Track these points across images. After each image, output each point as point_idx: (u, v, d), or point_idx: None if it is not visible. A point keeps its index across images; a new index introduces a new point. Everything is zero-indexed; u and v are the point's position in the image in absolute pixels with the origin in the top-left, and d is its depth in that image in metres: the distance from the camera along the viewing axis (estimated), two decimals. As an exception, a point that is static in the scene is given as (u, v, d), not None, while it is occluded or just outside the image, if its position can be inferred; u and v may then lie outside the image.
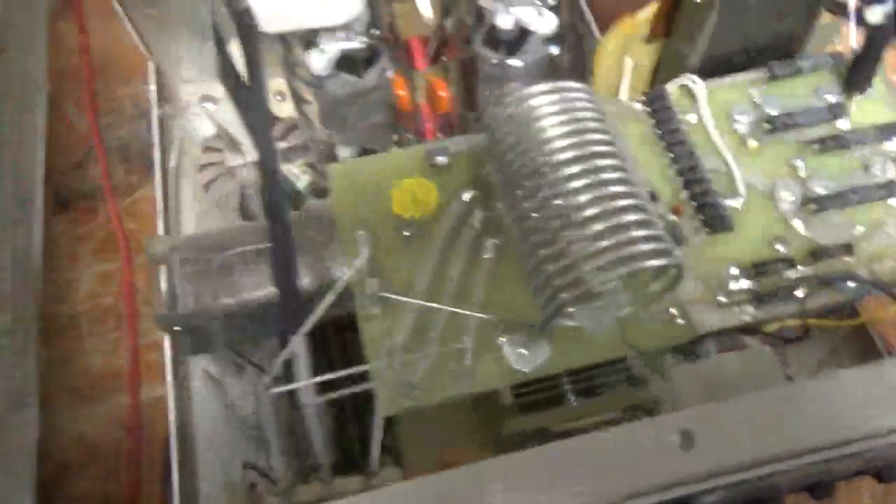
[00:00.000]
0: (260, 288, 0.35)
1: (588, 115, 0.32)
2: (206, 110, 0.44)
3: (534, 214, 0.31)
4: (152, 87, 0.59)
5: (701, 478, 0.19)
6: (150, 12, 0.50)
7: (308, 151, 0.50)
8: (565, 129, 0.31)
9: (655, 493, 0.20)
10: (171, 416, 0.46)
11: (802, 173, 0.36)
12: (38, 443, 0.44)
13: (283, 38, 0.37)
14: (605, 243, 0.29)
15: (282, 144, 0.49)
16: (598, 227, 0.29)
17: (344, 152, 0.43)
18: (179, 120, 0.55)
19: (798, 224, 0.35)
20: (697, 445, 0.19)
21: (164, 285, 0.35)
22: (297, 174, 0.51)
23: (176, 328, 0.36)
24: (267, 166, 0.34)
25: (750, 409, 0.20)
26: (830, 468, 0.23)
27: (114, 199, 0.47)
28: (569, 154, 0.31)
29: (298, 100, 0.40)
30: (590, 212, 0.29)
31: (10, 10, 0.37)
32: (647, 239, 0.29)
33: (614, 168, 0.31)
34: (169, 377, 0.47)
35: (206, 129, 0.57)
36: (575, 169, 0.30)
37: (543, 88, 0.32)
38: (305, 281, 0.37)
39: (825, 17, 0.42)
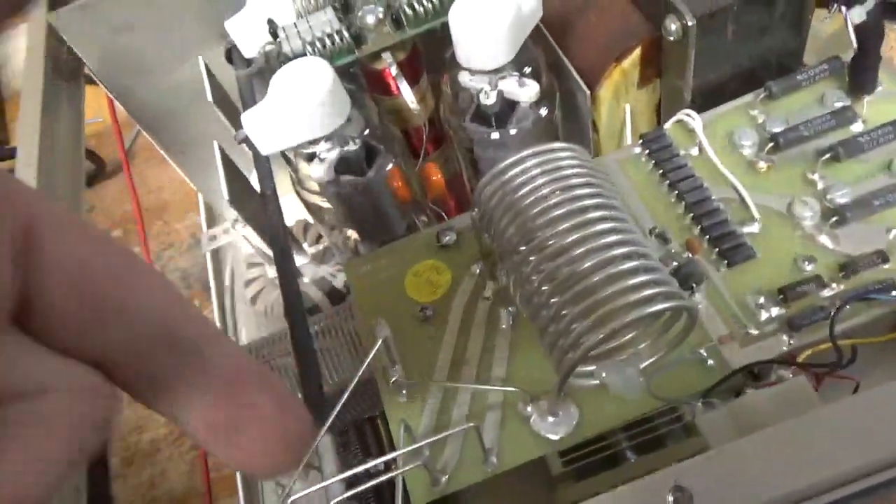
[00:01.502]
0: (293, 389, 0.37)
1: (570, 171, 0.32)
2: (238, 231, 0.47)
3: (533, 278, 0.31)
4: (202, 217, 0.64)
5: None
6: (188, 153, 0.55)
7: (336, 253, 0.52)
8: (549, 189, 0.31)
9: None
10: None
11: (820, 186, 0.34)
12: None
13: (286, 157, 0.40)
14: (602, 295, 0.28)
15: (312, 249, 0.51)
16: (593, 280, 0.28)
17: (364, 247, 0.44)
18: (223, 241, 0.59)
19: (824, 239, 0.33)
20: (696, 500, 0.18)
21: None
22: (334, 274, 0.53)
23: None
24: (282, 274, 0.36)
25: (748, 452, 0.19)
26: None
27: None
28: (556, 212, 0.31)
29: (312, 208, 0.42)
30: (585, 265, 0.29)
31: (54, 181, 0.42)
32: (647, 284, 0.28)
33: (605, 219, 0.30)
34: (240, 493, 0.48)
35: (249, 247, 0.61)
36: (564, 225, 0.30)
37: (522, 155, 0.32)
38: (341, 375, 0.38)
39: (838, 21, 0.41)
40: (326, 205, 0.43)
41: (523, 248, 0.31)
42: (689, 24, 0.35)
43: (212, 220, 0.64)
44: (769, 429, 0.20)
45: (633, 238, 0.30)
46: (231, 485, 0.55)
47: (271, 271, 0.52)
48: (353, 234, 0.45)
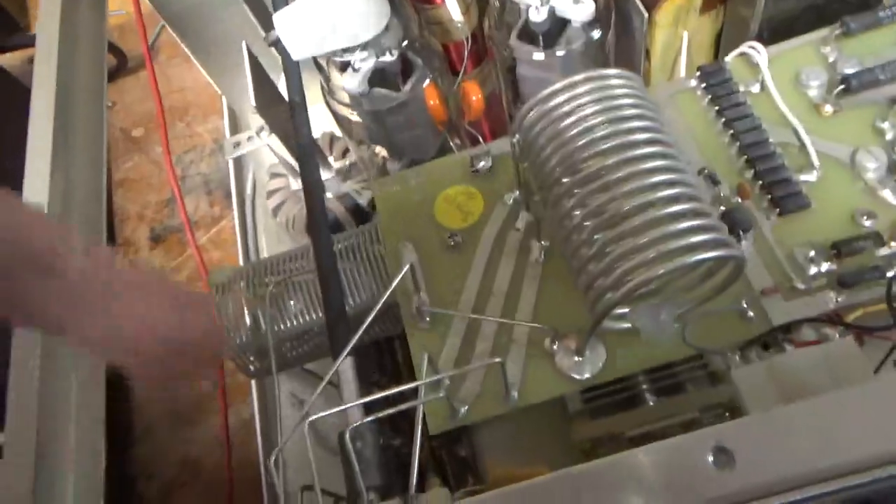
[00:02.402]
0: (312, 311, 0.36)
1: (624, 101, 0.29)
2: (262, 140, 0.45)
3: (575, 213, 0.29)
4: (226, 122, 0.63)
5: (741, 499, 0.17)
6: (211, 52, 0.53)
7: (363, 169, 0.50)
8: (599, 119, 0.29)
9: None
10: (259, 435, 0.48)
11: (889, 136, 0.32)
12: (144, 465, 0.47)
13: (317, 63, 0.37)
14: (649, 237, 0.26)
15: (338, 164, 0.49)
16: (641, 220, 0.27)
17: (393, 166, 0.42)
18: (247, 149, 0.57)
19: (887, 194, 0.31)
20: (738, 463, 0.17)
21: (224, 314, 0.36)
22: (359, 191, 0.51)
23: (240, 354, 0.37)
24: (308, 187, 0.35)
25: (797, 420, 0.17)
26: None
27: (192, 234, 0.49)
28: (604, 146, 0.29)
29: (341, 121, 0.40)
30: (630, 205, 0.27)
31: (75, 72, 0.40)
32: (697, 230, 0.26)
33: (656, 156, 0.28)
34: (254, 399, 0.49)
35: (273, 156, 0.59)
36: (612, 160, 0.28)
37: (572, 81, 0.30)
38: (363, 298, 0.37)
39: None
40: (356, 118, 0.41)
41: (566, 180, 0.30)
42: (772, -58, 0.32)
43: (235, 125, 0.62)
44: (821, 397, 0.18)
45: (685, 178, 0.28)
46: (245, 391, 0.56)
47: (294, 183, 0.51)
48: (381, 150, 0.44)
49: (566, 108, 0.30)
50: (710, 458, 0.17)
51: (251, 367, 0.39)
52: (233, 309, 0.37)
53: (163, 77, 0.61)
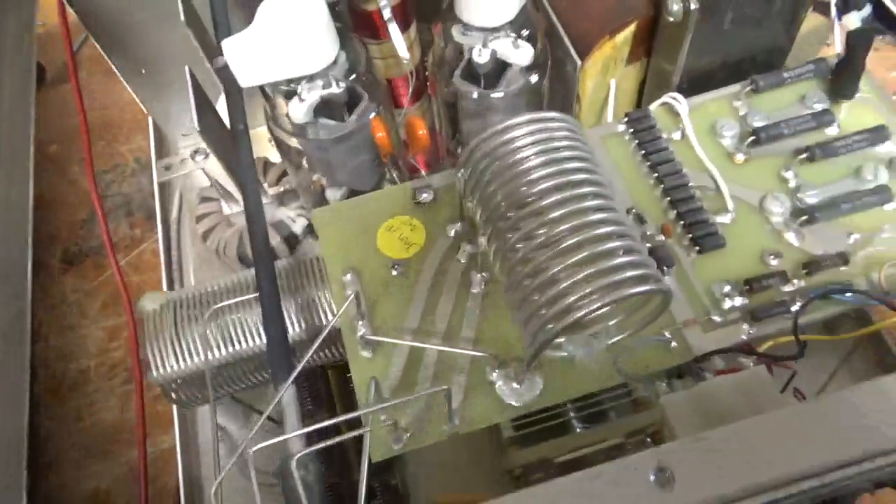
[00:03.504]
0: (252, 337, 0.36)
1: (566, 143, 0.31)
2: (197, 164, 0.45)
3: (518, 246, 0.31)
4: (152, 143, 0.61)
5: (685, 515, 0.18)
6: (143, 73, 0.52)
7: (300, 196, 0.50)
8: (543, 158, 0.31)
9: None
10: (180, 468, 0.46)
11: (792, 184, 0.35)
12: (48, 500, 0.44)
13: (263, 91, 0.38)
14: (589, 271, 0.28)
15: (273, 190, 0.49)
16: (581, 255, 0.28)
17: (332, 195, 0.43)
18: (179, 174, 0.56)
19: (790, 236, 0.34)
20: (677, 482, 0.19)
21: (153, 343, 0.35)
22: (293, 218, 0.51)
23: (170, 384, 0.36)
24: (251, 215, 0.35)
25: (731, 439, 0.19)
26: (839, 488, 0.22)
27: (115, 256, 0.47)
28: (548, 184, 0.30)
29: (283, 148, 0.40)
30: (572, 241, 0.29)
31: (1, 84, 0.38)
32: (630, 266, 0.28)
33: (595, 195, 0.30)
34: (176, 430, 0.47)
35: (204, 179, 0.58)
36: (555, 198, 0.30)
37: (519, 121, 0.32)
38: (299, 327, 0.37)
39: (815, 20, 0.41)
40: (297, 146, 0.41)
41: (510, 214, 0.31)
42: (693, 6, 0.35)
43: (161, 148, 0.61)
44: (752, 419, 0.20)
45: (619, 217, 0.30)
46: (165, 422, 0.53)
47: (227, 208, 0.50)
48: (319, 178, 0.44)
49: (510, 147, 0.32)
50: (652, 478, 0.19)
51: (177, 397, 0.38)
52: (164, 336, 0.36)
53: (83, 93, 0.59)
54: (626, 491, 0.19)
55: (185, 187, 0.56)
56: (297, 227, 0.51)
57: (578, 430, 0.37)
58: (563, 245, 0.29)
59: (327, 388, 0.45)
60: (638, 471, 0.19)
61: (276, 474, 0.42)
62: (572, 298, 0.28)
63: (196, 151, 0.47)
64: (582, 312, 0.28)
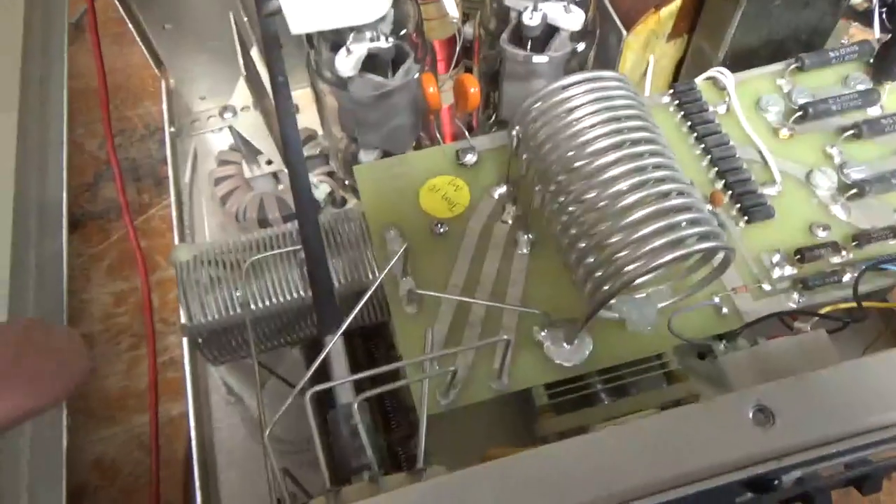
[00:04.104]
0: (290, 291, 0.35)
1: (622, 102, 0.31)
2: (225, 121, 0.43)
3: (571, 208, 0.30)
4: (165, 106, 0.59)
5: (782, 454, 0.18)
6: (168, 28, 0.50)
7: (326, 161, 0.49)
8: (599, 118, 0.31)
9: (732, 471, 0.19)
10: (192, 433, 0.44)
11: (837, 160, 0.36)
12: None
13: (310, 40, 0.37)
14: (648, 230, 0.28)
15: (301, 153, 0.48)
16: (639, 214, 0.28)
17: (366, 157, 0.42)
18: (192, 136, 0.55)
19: (837, 210, 0.34)
20: (777, 421, 0.18)
21: (189, 292, 0.34)
22: (316, 184, 0.50)
23: (202, 337, 0.35)
24: (295, 166, 0.34)
25: (828, 384, 0.19)
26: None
27: (129, 215, 0.46)
28: (604, 143, 0.30)
29: (321, 103, 0.40)
30: (630, 199, 0.29)
31: (32, 36, 0.37)
32: (692, 223, 0.28)
33: (653, 153, 0.30)
34: (189, 395, 0.46)
35: (219, 143, 0.57)
36: (612, 157, 0.30)
37: (575, 79, 0.31)
38: (336, 284, 0.36)
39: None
40: (333, 102, 0.40)
41: (566, 174, 0.31)
42: (749, -21, 0.35)
43: (175, 109, 0.59)
44: (852, 361, 0.20)
45: (679, 175, 0.30)
46: (171, 389, 0.52)
47: (247, 171, 0.49)
48: (345, 138, 0.43)
49: (568, 105, 0.31)
50: (750, 415, 0.19)
51: (203, 351, 0.37)
52: (199, 286, 0.35)
53: (87, 58, 0.58)
54: (724, 427, 0.19)
55: (202, 150, 0.55)
56: (320, 192, 0.50)
57: (613, 399, 0.37)
58: (624, 202, 0.29)
59: (352, 352, 0.44)
60: (736, 409, 0.19)
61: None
62: (627, 257, 0.27)
63: (225, 108, 0.46)
64: (642, 270, 0.27)
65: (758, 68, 0.39)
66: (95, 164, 0.63)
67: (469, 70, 0.46)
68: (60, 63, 0.39)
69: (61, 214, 0.35)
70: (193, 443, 0.44)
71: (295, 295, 0.35)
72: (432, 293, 0.32)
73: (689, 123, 0.37)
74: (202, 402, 0.47)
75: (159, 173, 0.58)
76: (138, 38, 0.55)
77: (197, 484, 0.43)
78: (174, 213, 0.54)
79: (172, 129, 0.57)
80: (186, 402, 0.45)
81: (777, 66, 0.39)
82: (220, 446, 0.47)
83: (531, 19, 0.37)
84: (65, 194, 0.36)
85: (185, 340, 0.43)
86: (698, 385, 0.36)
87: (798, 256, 0.32)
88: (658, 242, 0.27)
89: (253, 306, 0.35)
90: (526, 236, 0.34)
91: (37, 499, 0.36)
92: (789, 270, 0.32)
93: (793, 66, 0.38)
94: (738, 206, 0.34)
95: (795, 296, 0.32)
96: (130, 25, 0.54)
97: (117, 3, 0.53)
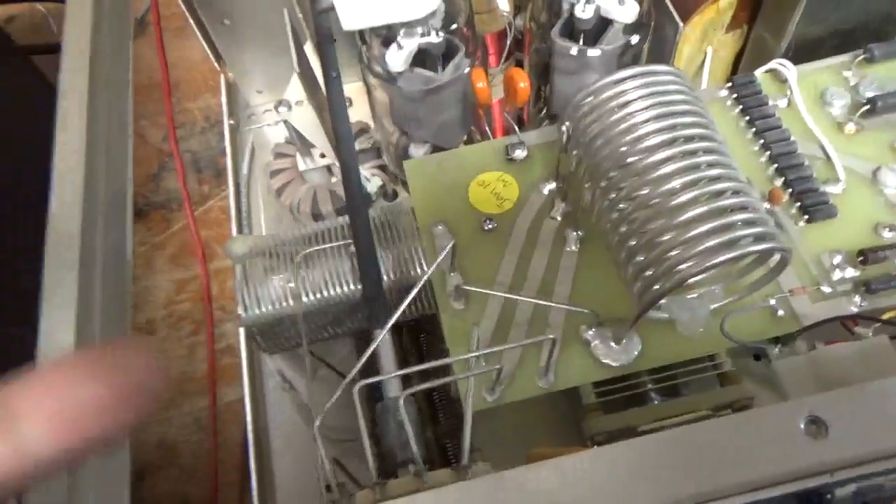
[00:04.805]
0: (341, 284, 0.35)
1: (677, 97, 0.30)
2: (280, 115, 0.44)
3: (621, 205, 0.30)
4: (224, 99, 0.61)
5: (835, 468, 0.18)
6: (226, 24, 0.52)
7: (378, 154, 0.50)
8: (652, 113, 0.30)
9: (782, 483, 0.18)
10: (248, 418, 0.46)
11: (907, 157, 0.34)
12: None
13: (362, 36, 0.37)
14: (701, 229, 0.27)
15: (353, 147, 0.49)
16: (692, 213, 0.27)
17: (416, 151, 0.42)
18: (251, 129, 0.56)
19: (906, 210, 0.33)
20: (831, 433, 0.18)
21: (245, 284, 0.35)
22: (367, 177, 0.51)
23: (256, 328, 0.36)
24: (347, 161, 0.34)
25: (888, 394, 0.18)
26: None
27: (190, 206, 0.47)
28: (657, 139, 0.29)
29: (372, 98, 0.40)
30: (683, 198, 0.28)
31: (100, 32, 0.39)
32: (747, 223, 0.27)
33: (708, 151, 0.29)
34: (245, 381, 0.47)
35: (276, 136, 0.58)
36: (664, 154, 0.29)
37: (628, 74, 0.31)
38: (385, 278, 0.36)
39: None
40: (384, 96, 0.40)
41: (618, 171, 0.30)
42: (815, -33, 0.34)
43: (234, 102, 0.61)
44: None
45: (735, 174, 0.29)
46: (228, 375, 0.54)
47: (301, 164, 0.50)
48: (397, 132, 0.43)
49: (620, 101, 0.31)
50: (802, 426, 0.18)
51: (258, 341, 0.38)
52: (255, 277, 0.36)
53: (150, 53, 0.60)
54: (775, 438, 0.18)
55: (259, 143, 0.56)
56: (371, 186, 0.50)
57: (662, 400, 0.36)
58: (677, 201, 0.28)
59: (400, 345, 0.44)
60: (788, 419, 0.18)
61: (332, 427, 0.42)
62: (679, 256, 0.27)
63: (280, 103, 0.47)
64: (694, 270, 0.27)
65: (822, 60, 0.37)
66: (158, 156, 0.66)
67: (520, 63, 0.45)
68: (126, 57, 0.40)
69: (127, 204, 0.37)
70: (249, 428, 0.46)
71: (346, 288, 0.35)
72: (479, 289, 0.32)
73: (747, 118, 0.36)
74: (258, 389, 0.49)
75: (219, 165, 0.60)
76: (198, 34, 0.56)
77: (252, 466, 0.45)
78: (232, 204, 0.56)
79: (231, 122, 0.58)
80: (243, 388, 0.47)
81: (843, 58, 0.37)
82: (275, 431, 0.48)
83: (583, 12, 0.36)
84: (130, 185, 0.37)
85: (241, 330, 0.45)
86: (752, 387, 0.35)
87: (861, 258, 0.31)
88: (711, 242, 0.27)
89: (305, 299, 0.36)
90: (575, 233, 0.34)
91: (107, 470, 0.38)
92: (851, 272, 0.31)
93: (861, 58, 0.37)
94: (798, 204, 0.33)
95: (857, 299, 0.31)
96: (191, 21, 0.56)
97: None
